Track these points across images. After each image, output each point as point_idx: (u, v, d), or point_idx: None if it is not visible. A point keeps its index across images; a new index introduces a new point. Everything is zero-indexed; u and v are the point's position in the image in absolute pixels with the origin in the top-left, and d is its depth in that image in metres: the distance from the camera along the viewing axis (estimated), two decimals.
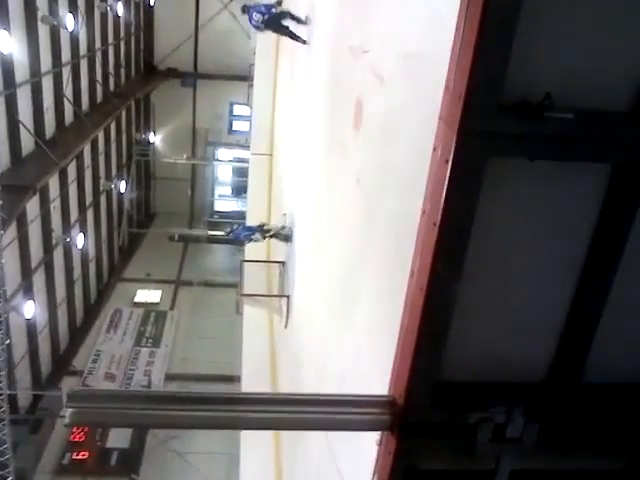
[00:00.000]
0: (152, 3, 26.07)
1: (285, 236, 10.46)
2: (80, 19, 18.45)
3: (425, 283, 2.68)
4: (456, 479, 3.20)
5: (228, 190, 29.74)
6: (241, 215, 21.09)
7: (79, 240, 18.99)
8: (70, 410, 2.88)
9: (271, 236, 10.83)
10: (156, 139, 27.49)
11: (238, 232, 11.00)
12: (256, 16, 10.17)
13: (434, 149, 2.63)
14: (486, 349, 2.99)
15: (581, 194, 2.71)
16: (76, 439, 16.07)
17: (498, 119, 2.40)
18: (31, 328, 16.35)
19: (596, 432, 3.15)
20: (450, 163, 2.45)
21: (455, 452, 3.03)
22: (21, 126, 15.24)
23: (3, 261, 11.58)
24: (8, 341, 12.56)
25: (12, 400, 15.22)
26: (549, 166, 2.56)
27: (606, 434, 3.17)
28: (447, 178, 2.47)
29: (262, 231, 10.80)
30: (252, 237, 10.83)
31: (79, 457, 15.87)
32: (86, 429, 15.83)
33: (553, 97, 2.40)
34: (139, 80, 25.75)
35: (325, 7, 8.04)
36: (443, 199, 2.50)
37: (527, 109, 2.43)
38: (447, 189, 2.48)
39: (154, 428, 14.42)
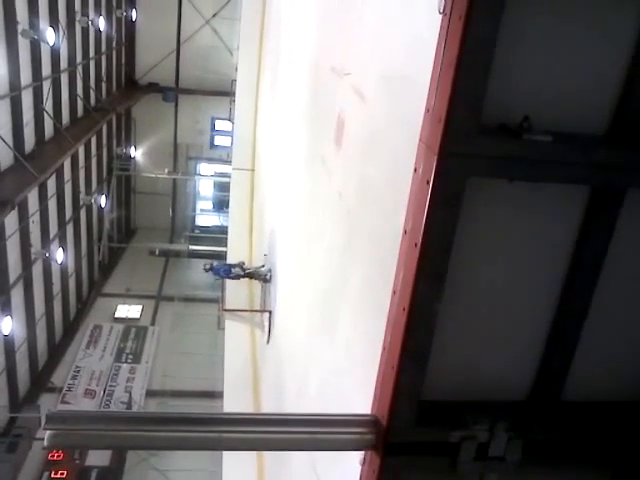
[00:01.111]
0: (134, 18, 26.08)
1: (264, 278, 10.52)
2: (61, 33, 18.39)
3: (407, 303, 2.69)
4: None
5: (210, 205, 29.70)
6: (222, 230, 21.05)
7: (58, 255, 18.80)
8: (49, 432, 2.83)
9: (250, 275, 10.88)
10: (137, 154, 27.39)
11: (217, 267, 11.04)
12: None
13: (415, 170, 2.65)
14: (468, 368, 3.00)
15: (560, 215, 2.75)
16: (54, 458, 15.80)
17: (478, 141, 2.43)
18: (9, 344, 16.12)
19: (579, 449, 3.17)
20: (431, 184, 2.48)
21: (439, 471, 3.03)
22: (0, 140, 15.11)
23: None
24: None
25: None
26: (528, 187, 2.60)
27: (589, 450, 3.19)
28: (428, 199, 2.50)
29: (242, 268, 10.88)
30: (232, 271, 10.87)
31: (57, 476, 15.58)
32: None
33: (531, 120, 2.44)
34: (120, 95, 25.66)
35: (307, 25, 8.11)
36: (424, 220, 2.52)
37: (506, 131, 2.47)
38: (428, 210, 2.51)
39: (135, 450, 14.25)
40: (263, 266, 10.82)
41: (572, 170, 2.55)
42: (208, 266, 11.18)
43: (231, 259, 15.08)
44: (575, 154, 2.52)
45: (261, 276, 10.62)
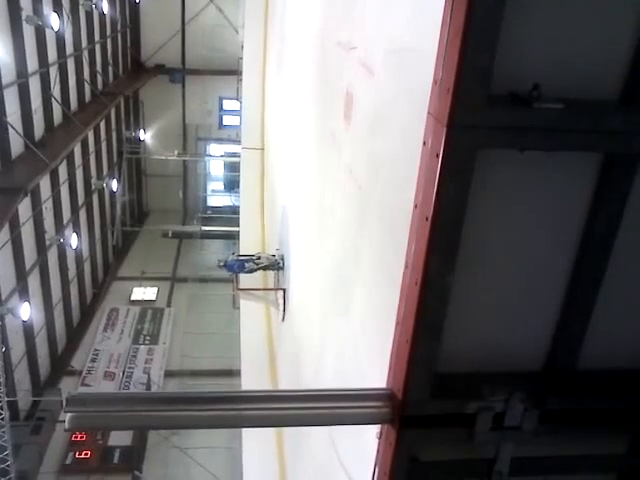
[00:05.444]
0: (137, 0, 25.90)
1: (278, 266, 10.73)
2: (65, 18, 18.33)
3: (419, 276, 2.69)
4: (457, 468, 3.23)
5: (221, 185, 29.73)
6: (234, 210, 21.09)
7: (73, 240, 18.96)
8: (70, 414, 2.87)
9: (264, 268, 10.99)
10: (146, 136, 27.40)
11: (231, 264, 11.13)
12: None
13: (424, 143, 2.63)
14: (483, 339, 3.01)
15: (572, 183, 2.72)
16: (77, 439, 16.14)
17: (487, 112, 2.40)
18: (28, 330, 16.37)
19: (595, 417, 3.18)
20: (440, 157, 2.45)
21: (455, 442, 3.06)
22: (10, 128, 15.16)
23: None
24: (4, 348, 12.58)
25: (11, 403, 15.26)
26: (540, 157, 2.57)
27: (606, 418, 3.20)
28: (438, 172, 2.48)
29: (254, 262, 11.00)
30: (245, 266, 11.01)
31: (82, 456, 15.93)
32: None
33: (541, 88, 2.40)
34: (127, 78, 25.62)
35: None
36: (434, 193, 2.51)
37: (516, 101, 2.43)
38: (438, 183, 2.49)
39: (154, 429, 14.48)
40: (274, 256, 10.94)
41: (585, 137, 2.51)
42: (222, 263, 11.29)
43: (243, 239, 15.15)
44: (587, 121, 2.48)
45: (274, 266, 10.81)
